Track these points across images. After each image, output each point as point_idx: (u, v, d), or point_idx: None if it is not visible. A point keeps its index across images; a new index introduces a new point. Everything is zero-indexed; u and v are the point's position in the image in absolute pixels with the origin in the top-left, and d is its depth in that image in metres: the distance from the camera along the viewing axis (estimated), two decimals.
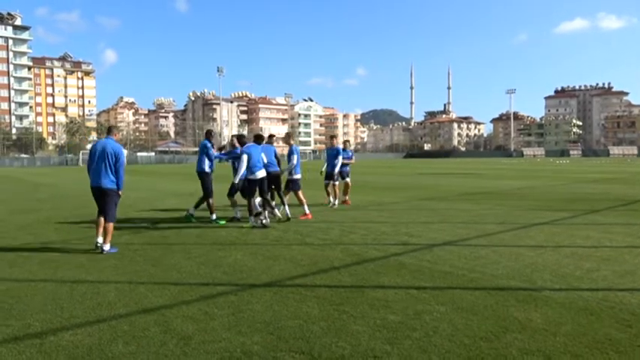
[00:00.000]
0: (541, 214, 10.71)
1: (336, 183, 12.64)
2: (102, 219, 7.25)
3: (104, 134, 8.37)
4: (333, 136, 13.90)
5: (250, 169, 9.32)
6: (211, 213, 10.10)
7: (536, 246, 7.25)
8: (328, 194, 12.66)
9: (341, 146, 13.34)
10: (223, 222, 9.92)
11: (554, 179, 24.24)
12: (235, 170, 9.86)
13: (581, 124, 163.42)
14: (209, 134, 10.82)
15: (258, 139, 9.92)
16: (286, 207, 10.10)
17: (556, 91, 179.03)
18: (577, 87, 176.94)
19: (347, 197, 13.29)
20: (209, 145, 10.34)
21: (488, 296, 4.78)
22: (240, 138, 10.21)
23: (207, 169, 10.27)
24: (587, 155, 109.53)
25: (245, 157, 9.21)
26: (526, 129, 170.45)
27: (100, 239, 7.19)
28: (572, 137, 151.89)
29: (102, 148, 7.31)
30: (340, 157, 12.71)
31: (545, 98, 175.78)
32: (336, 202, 12.53)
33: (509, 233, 8.44)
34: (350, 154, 13.80)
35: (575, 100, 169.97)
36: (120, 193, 7.43)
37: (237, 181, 9.71)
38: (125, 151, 7.82)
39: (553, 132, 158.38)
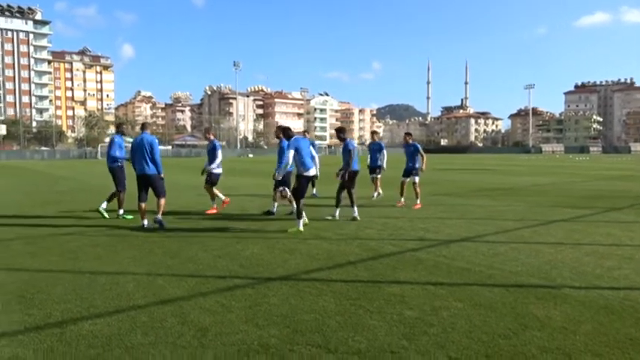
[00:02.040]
0: (561, 211, 10.56)
1: (379, 176, 13.17)
2: (143, 204, 8.76)
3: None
4: (374, 132, 14.18)
5: (303, 165, 8.35)
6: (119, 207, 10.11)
7: (555, 243, 7.15)
8: (376, 188, 13.15)
9: (384, 142, 13.62)
10: (130, 217, 9.74)
11: (573, 176, 23.88)
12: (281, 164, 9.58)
13: (601, 120, 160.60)
14: (119, 127, 10.68)
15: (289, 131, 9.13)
16: (338, 210, 9.64)
17: (576, 87, 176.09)
18: (598, 82, 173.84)
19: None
20: (116, 140, 10.25)
21: (506, 293, 4.73)
22: (285, 130, 9.27)
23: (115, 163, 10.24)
24: (607, 152, 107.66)
25: (292, 152, 8.28)
26: (545, 125, 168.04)
27: (146, 222, 8.63)
28: (593, 133, 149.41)
29: (140, 141, 8.77)
30: (385, 152, 13.19)
31: (565, 94, 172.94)
32: (376, 194, 13.10)
33: (528, 230, 8.34)
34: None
35: (596, 96, 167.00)
36: (162, 176, 8.87)
37: (279, 178, 8.91)
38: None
39: (573, 128, 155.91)
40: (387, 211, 10.86)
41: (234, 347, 3.51)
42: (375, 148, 13.52)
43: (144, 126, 9.20)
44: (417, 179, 11.80)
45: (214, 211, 10.61)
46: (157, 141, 8.90)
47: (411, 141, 12.34)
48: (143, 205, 8.80)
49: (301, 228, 8.15)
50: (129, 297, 4.66)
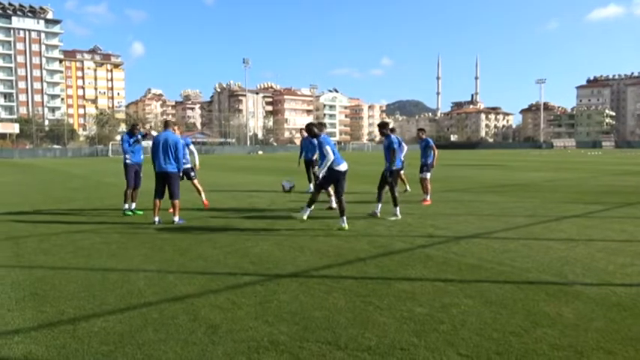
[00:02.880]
0: (572, 207, 10.47)
1: (427, 176, 11.98)
2: (158, 201, 8.85)
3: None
4: (421, 129, 13.34)
5: (335, 160, 8.11)
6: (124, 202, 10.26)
7: (567, 239, 7.09)
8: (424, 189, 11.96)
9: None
10: (140, 212, 10.01)
11: (585, 171, 23.63)
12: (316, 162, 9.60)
13: (614, 114, 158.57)
14: (133, 128, 10.60)
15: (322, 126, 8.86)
16: (379, 205, 9.44)
17: (588, 81, 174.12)
18: (611, 76, 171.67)
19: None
20: (125, 138, 10.37)
21: (517, 290, 4.70)
22: (316, 127, 8.69)
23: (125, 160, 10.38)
24: (620, 147, 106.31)
25: (329, 148, 8.04)
26: (556, 120, 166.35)
27: (157, 218, 8.76)
28: (605, 128, 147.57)
29: (164, 139, 8.79)
30: (435, 148, 12.29)
31: (577, 88, 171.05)
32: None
33: (539, 226, 8.27)
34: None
35: (609, 90, 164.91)
36: (180, 174, 9.05)
37: (321, 175, 8.33)
38: (182, 141, 9.33)
39: (585, 123, 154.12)
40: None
41: (245, 344, 3.53)
42: (423, 146, 13.38)
43: (167, 124, 9.20)
44: (428, 175, 11.73)
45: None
46: (181, 140, 8.96)
47: (424, 136, 12.27)
48: (158, 201, 8.86)
49: (305, 217, 8.48)
50: (140, 294, 4.70)
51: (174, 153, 8.76)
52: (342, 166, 8.20)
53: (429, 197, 11.51)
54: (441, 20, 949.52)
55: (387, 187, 9.42)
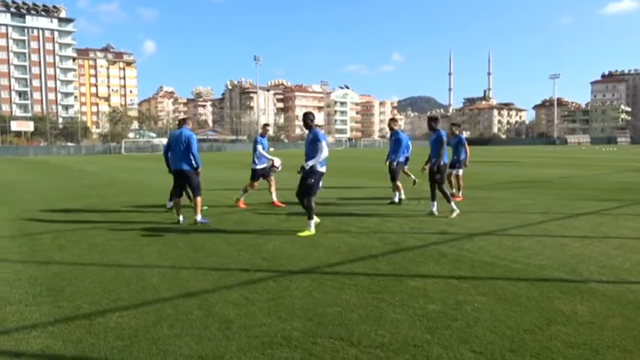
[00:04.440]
0: (587, 204, 10.35)
1: (460, 173, 11.78)
2: (178, 200, 8.74)
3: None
4: (455, 125, 12.66)
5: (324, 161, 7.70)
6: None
7: (581, 236, 7.02)
8: (451, 184, 11.71)
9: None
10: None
11: (600, 168, 23.35)
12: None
13: (630, 109, 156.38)
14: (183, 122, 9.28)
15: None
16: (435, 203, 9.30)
17: (603, 76, 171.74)
18: (626, 71, 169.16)
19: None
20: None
21: (531, 287, 4.67)
22: (311, 119, 7.90)
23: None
24: (636, 142, 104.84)
25: (324, 144, 7.59)
26: (570, 115, 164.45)
27: (181, 217, 8.64)
28: (620, 124, 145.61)
29: (178, 136, 8.55)
30: (467, 145, 11.99)
31: (592, 83, 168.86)
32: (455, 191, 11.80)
33: (553, 223, 8.20)
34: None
35: (624, 85, 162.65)
36: (198, 170, 8.64)
37: (308, 168, 7.51)
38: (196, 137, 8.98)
39: (599, 118, 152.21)
40: (408, 204, 10.79)
41: (258, 339, 3.55)
42: (455, 143, 13.46)
43: (183, 121, 8.91)
44: (460, 172, 11.70)
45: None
46: (194, 136, 8.65)
47: (457, 132, 11.99)
48: (178, 200, 8.75)
49: (313, 230, 7.53)
50: (154, 290, 4.74)
51: (186, 150, 8.46)
52: (324, 168, 7.74)
53: (460, 193, 11.48)
54: (452, 15, 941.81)
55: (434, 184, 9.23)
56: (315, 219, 7.71)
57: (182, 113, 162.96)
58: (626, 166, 24.77)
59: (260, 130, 11.34)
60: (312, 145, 7.56)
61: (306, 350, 3.37)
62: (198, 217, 8.50)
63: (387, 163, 11.16)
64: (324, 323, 3.84)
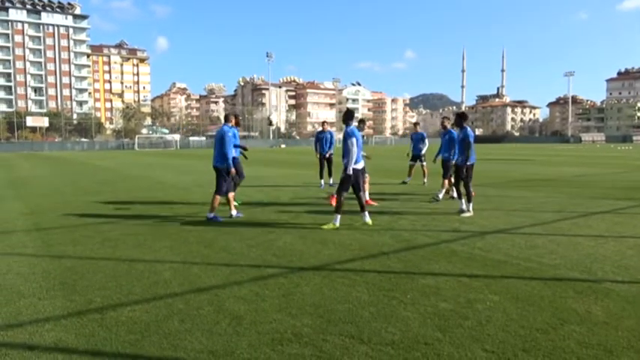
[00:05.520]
0: (602, 203, 10.21)
1: (424, 163, 13.77)
2: (231, 194, 8.77)
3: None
4: (417, 123, 13.67)
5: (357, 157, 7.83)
6: None
7: (596, 236, 6.92)
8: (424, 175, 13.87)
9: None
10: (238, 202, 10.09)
11: (615, 166, 23.02)
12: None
13: None
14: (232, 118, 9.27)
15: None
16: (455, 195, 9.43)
17: (619, 73, 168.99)
18: None
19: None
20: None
21: (544, 287, 4.62)
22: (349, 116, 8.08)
23: None
24: None
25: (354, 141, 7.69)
26: (585, 113, 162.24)
27: (234, 212, 8.77)
28: (636, 122, 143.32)
29: (216, 133, 8.69)
30: (427, 141, 14.06)
31: (607, 81, 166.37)
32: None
33: (567, 222, 8.10)
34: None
35: None
36: (231, 170, 8.49)
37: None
38: (231, 132, 8.75)
39: (615, 116, 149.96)
40: (419, 201, 10.74)
41: (268, 336, 3.55)
42: (417, 138, 14.51)
43: (226, 118, 9.00)
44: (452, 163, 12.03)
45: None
46: (229, 133, 8.56)
47: (448, 126, 11.96)
48: (230, 194, 8.81)
49: (337, 224, 7.68)
50: (166, 285, 4.77)
51: (221, 147, 8.47)
52: (360, 165, 7.84)
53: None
54: (466, 12, 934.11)
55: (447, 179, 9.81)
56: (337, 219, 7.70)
57: (195, 109, 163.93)
58: None
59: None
60: (344, 144, 7.71)
61: (316, 347, 3.36)
62: (234, 212, 8.74)
63: (439, 161, 11.36)
64: (335, 320, 3.83)
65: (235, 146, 9.08)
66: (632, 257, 5.68)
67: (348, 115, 7.98)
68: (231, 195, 8.78)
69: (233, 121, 8.91)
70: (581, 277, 4.91)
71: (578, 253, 5.87)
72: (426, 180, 14.04)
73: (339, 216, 7.71)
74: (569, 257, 5.69)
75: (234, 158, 8.96)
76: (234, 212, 8.74)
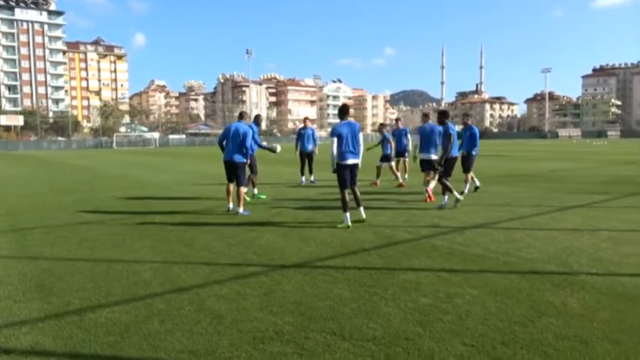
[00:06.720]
0: (577, 197, 10.42)
1: (406, 160, 14.28)
2: (231, 187, 9.05)
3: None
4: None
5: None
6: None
7: (572, 229, 7.07)
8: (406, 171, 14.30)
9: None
10: (264, 196, 11.00)
11: (590, 161, 23.52)
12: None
13: (620, 103, 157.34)
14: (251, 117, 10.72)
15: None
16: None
17: (594, 70, 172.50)
18: (617, 65, 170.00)
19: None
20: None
21: (522, 280, 4.70)
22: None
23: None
24: (626, 136, 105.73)
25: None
26: (562, 109, 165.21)
27: (231, 205, 9.02)
28: (611, 117, 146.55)
29: (235, 129, 8.93)
30: (410, 137, 14.62)
31: (583, 77, 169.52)
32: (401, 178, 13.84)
33: (544, 216, 8.25)
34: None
35: (615, 79, 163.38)
36: (248, 161, 9.21)
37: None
38: (251, 131, 9.21)
39: (590, 112, 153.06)
40: (400, 197, 10.81)
41: (250, 334, 3.54)
42: (399, 134, 14.53)
43: (241, 115, 9.40)
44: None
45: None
46: (250, 131, 9.05)
47: (469, 122, 11.81)
48: (231, 186, 9.08)
49: (349, 223, 7.49)
50: (145, 285, 4.72)
51: (242, 144, 8.84)
52: (350, 160, 7.73)
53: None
54: (445, 9, 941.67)
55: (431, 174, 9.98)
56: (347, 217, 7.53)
57: (174, 107, 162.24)
58: (616, 159, 24.97)
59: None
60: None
61: (298, 344, 3.37)
62: (240, 209, 8.82)
63: (462, 156, 11.37)
64: (316, 317, 3.84)
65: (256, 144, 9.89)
66: (606, 250, 5.81)
67: (341, 111, 8.05)
68: (242, 189, 8.94)
69: (247, 120, 9.49)
70: (558, 270, 5.01)
71: (555, 247, 5.98)
72: (407, 176, 14.07)
73: (347, 214, 7.54)
74: (546, 251, 5.80)
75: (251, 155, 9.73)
76: (240, 209, 8.83)
